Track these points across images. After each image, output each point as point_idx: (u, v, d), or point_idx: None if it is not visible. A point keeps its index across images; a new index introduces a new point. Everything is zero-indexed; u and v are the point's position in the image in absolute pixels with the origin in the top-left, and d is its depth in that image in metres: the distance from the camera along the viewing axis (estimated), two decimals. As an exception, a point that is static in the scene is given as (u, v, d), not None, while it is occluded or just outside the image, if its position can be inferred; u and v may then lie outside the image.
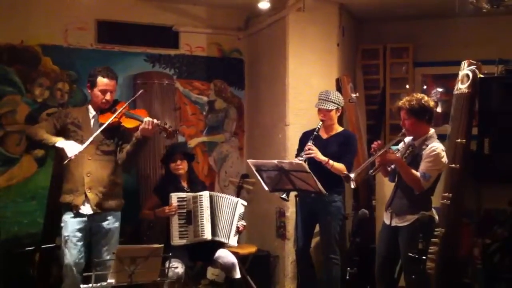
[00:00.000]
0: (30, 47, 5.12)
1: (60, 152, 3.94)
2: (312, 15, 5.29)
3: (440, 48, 6.01)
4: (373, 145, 3.97)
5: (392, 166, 4.02)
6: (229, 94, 6.11)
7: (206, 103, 5.98)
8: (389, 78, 6.15)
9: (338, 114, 4.64)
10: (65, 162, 3.85)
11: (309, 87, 4.96)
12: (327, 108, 4.52)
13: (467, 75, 4.65)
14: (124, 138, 4.08)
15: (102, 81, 4.01)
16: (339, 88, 5.38)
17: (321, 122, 4.55)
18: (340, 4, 5.51)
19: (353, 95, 5.28)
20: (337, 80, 5.41)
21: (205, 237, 4.33)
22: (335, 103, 4.55)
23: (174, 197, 4.34)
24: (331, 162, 4.39)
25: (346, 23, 5.69)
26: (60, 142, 3.89)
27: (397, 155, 3.93)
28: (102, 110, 4.06)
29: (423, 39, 6.12)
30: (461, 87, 4.68)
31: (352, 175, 3.85)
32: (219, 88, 6.05)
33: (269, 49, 5.73)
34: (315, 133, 4.52)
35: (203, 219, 4.34)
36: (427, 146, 3.85)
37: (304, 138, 4.64)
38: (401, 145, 4.07)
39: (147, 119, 3.93)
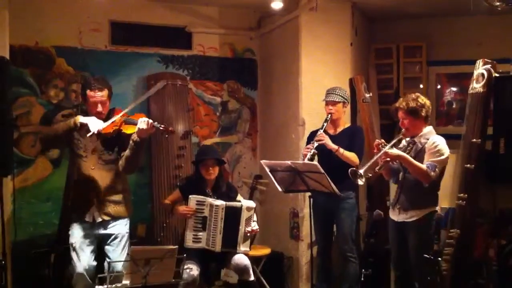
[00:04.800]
0: (45, 49, 5.17)
1: (78, 131, 3.83)
2: (325, 14, 5.27)
3: (454, 46, 5.94)
4: (375, 144, 3.99)
5: (394, 165, 4.02)
6: (242, 94, 6.11)
7: (219, 104, 5.99)
8: (403, 78, 6.09)
9: (345, 109, 4.69)
10: (89, 135, 3.75)
11: (322, 87, 4.92)
12: (333, 100, 4.57)
13: (482, 74, 4.60)
14: (124, 146, 3.94)
15: (90, 94, 3.87)
16: (352, 88, 5.36)
17: (329, 115, 4.56)
18: (352, 3, 5.48)
19: (367, 95, 5.27)
20: (351, 80, 5.39)
21: (215, 249, 4.28)
22: (341, 96, 4.60)
23: (193, 200, 4.31)
24: (341, 150, 4.42)
25: (359, 23, 5.66)
26: (82, 118, 3.82)
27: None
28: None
29: (436, 38, 6.05)
30: (476, 86, 4.63)
31: (361, 171, 3.83)
32: (232, 88, 6.05)
33: (282, 49, 5.72)
34: (324, 123, 4.54)
35: (216, 230, 4.28)
36: (428, 140, 3.94)
37: (312, 137, 4.64)
38: (402, 144, 4.05)
39: (142, 119, 3.79)
